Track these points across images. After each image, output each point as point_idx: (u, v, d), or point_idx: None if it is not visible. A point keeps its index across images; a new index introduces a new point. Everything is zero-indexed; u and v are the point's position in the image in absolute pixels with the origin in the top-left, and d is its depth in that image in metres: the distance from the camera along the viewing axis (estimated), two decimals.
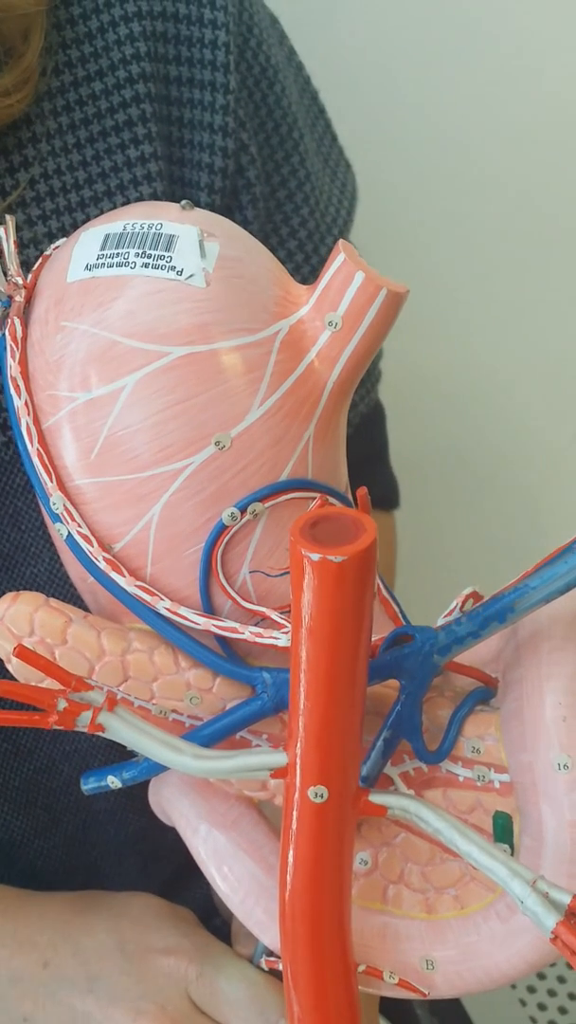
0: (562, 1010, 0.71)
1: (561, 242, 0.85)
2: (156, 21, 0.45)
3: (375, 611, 0.33)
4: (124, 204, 0.44)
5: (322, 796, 0.28)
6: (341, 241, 0.30)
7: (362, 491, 0.29)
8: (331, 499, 0.30)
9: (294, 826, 0.29)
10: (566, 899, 0.27)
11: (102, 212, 0.44)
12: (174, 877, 0.54)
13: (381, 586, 0.34)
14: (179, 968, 0.40)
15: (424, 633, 0.29)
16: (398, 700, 0.30)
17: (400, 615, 0.34)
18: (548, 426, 0.94)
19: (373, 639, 0.31)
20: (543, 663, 0.30)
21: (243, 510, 0.30)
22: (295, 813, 0.29)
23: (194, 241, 0.29)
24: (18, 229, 0.43)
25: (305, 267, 0.53)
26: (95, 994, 0.40)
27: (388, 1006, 0.53)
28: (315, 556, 0.24)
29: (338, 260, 0.29)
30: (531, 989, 0.72)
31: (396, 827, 0.33)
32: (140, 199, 0.44)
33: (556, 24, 0.77)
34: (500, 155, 0.82)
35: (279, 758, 0.29)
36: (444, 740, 0.31)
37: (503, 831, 0.31)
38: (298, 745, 0.28)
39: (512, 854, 0.31)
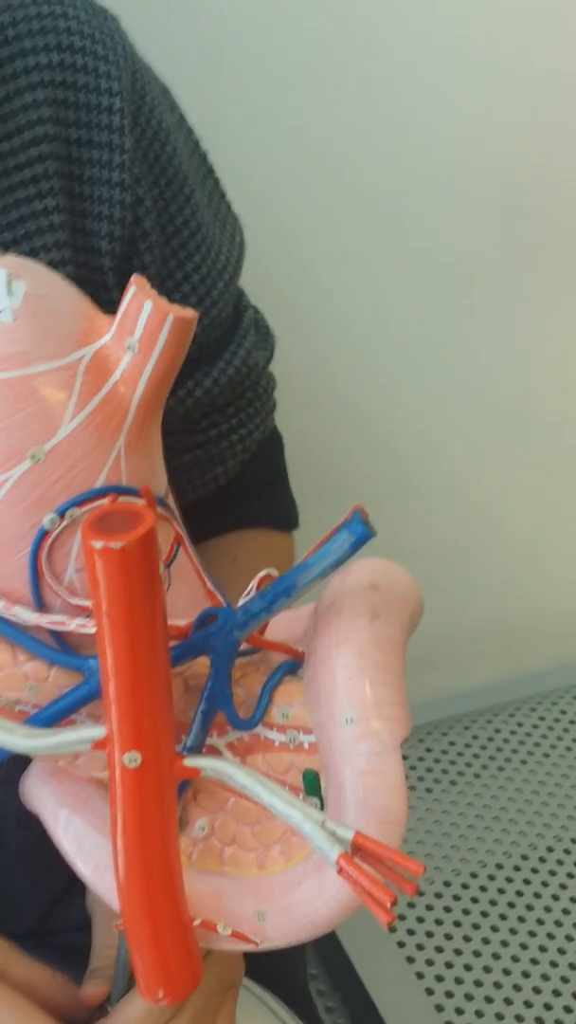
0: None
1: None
2: (57, 90, 0.49)
3: (201, 599, 0.36)
4: (31, 251, 0.48)
5: (136, 761, 0.31)
6: (135, 276, 0.33)
7: (145, 487, 0.32)
8: (128, 498, 0.33)
9: (118, 791, 0.31)
10: (349, 835, 0.30)
11: None
12: (73, 878, 0.56)
13: (207, 581, 0.37)
14: None
15: (225, 613, 0.32)
16: (209, 675, 0.33)
17: (224, 603, 0.37)
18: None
19: (184, 622, 0.33)
20: (333, 632, 0.33)
21: (62, 515, 0.32)
22: (117, 779, 0.31)
23: (2, 282, 0.32)
24: None
25: (199, 307, 0.57)
26: None
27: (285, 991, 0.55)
28: (99, 544, 0.27)
29: (131, 292, 0.33)
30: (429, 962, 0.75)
31: (227, 793, 0.36)
32: (45, 247, 0.48)
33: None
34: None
35: (98, 731, 0.31)
36: (256, 708, 0.34)
37: (312, 786, 0.33)
38: (112, 716, 0.30)
39: (322, 807, 0.33)
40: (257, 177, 0.84)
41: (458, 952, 0.73)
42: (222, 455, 0.63)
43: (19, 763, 0.52)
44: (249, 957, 0.49)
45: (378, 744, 0.31)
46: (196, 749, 0.34)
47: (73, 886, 0.56)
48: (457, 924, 0.76)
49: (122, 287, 0.52)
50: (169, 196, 0.55)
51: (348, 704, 0.31)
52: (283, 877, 0.35)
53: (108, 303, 0.52)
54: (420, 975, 0.72)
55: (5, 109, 0.48)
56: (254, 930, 0.35)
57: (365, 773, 0.31)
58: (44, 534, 0.33)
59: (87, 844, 0.36)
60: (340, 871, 0.29)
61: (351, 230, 0.91)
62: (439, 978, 0.72)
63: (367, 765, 0.31)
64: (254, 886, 0.35)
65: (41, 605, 0.33)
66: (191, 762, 0.32)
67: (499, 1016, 0.71)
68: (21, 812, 0.53)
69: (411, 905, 0.77)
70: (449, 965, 0.73)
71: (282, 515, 0.70)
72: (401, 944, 0.75)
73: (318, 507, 0.75)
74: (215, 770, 0.32)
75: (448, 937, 0.76)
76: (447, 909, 0.77)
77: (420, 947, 0.74)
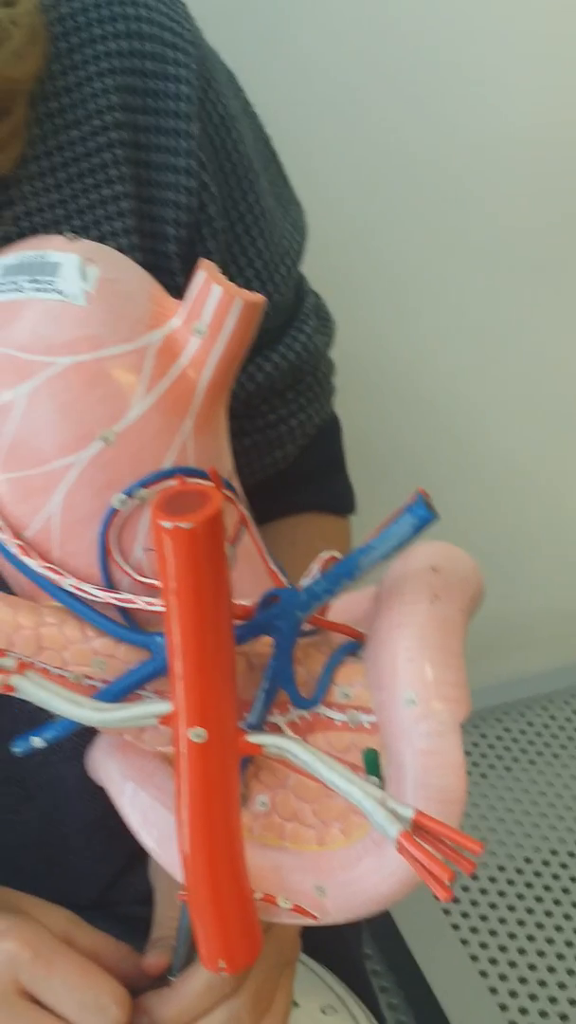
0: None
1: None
2: (127, 77, 0.49)
3: (264, 579, 0.37)
4: (100, 238, 0.49)
5: (202, 736, 0.31)
6: (203, 261, 0.33)
7: (212, 469, 0.33)
8: (196, 480, 0.33)
9: (183, 765, 0.32)
10: (409, 813, 0.30)
11: None
12: (135, 852, 0.57)
13: (270, 562, 0.38)
14: (12, 950, 0.41)
15: (288, 594, 0.33)
16: (272, 654, 0.34)
17: (287, 584, 0.37)
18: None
19: (248, 602, 0.34)
20: (394, 615, 0.33)
21: (131, 495, 0.33)
22: (182, 754, 0.32)
23: (75, 267, 0.33)
24: None
25: (261, 293, 0.57)
26: None
27: (339, 965, 0.56)
28: (168, 524, 0.28)
29: (199, 277, 0.33)
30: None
31: (288, 771, 0.36)
32: (113, 233, 0.49)
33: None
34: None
35: (164, 706, 0.32)
36: (318, 688, 0.35)
37: (372, 765, 0.34)
38: (178, 692, 0.31)
39: (382, 785, 0.34)
40: (320, 162, 0.84)
41: (512, 936, 0.74)
42: (281, 440, 0.64)
43: (84, 738, 0.53)
44: (306, 936, 0.49)
45: (438, 724, 0.31)
46: (258, 727, 0.35)
47: (135, 859, 0.57)
48: (511, 908, 0.76)
49: (187, 272, 0.53)
50: (234, 182, 0.55)
51: (409, 685, 0.32)
52: (343, 854, 0.35)
53: (173, 288, 0.53)
54: (474, 957, 0.73)
55: (76, 97, 0.49)
56: (314, 904, 0.35)
57: (425, 753, 0.32)
58: (113, 514, 0.33)
59: (152, 816, 0.37)
60: (400, 848, 0.30)
61: (413, 214, 0.90)
62: (493, 961, 0.73)
63: (427, 745, 0.31)
64: (314, 862, 0.36)
65: (110, 583, 0.34)
66: (254, 739, 0.33)
67: (553, 1000, 0.71)
68: (86, 786, 0.55)
69: (465, 888, 0.78)
70: (503, 948, 0.73)
71: (339, 500, 0.70)
72: (456, 927, 0.75)
73: (374, 493, 0.75)
74: (277, 747, 0.32)
75: (502, 921, 0.76)
76: (501, 893, 0.77)
77: (474, 930, 0.75)
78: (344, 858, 0.35)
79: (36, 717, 0.52)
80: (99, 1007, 0.41)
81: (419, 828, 0.30)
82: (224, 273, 0.56)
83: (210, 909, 0.34)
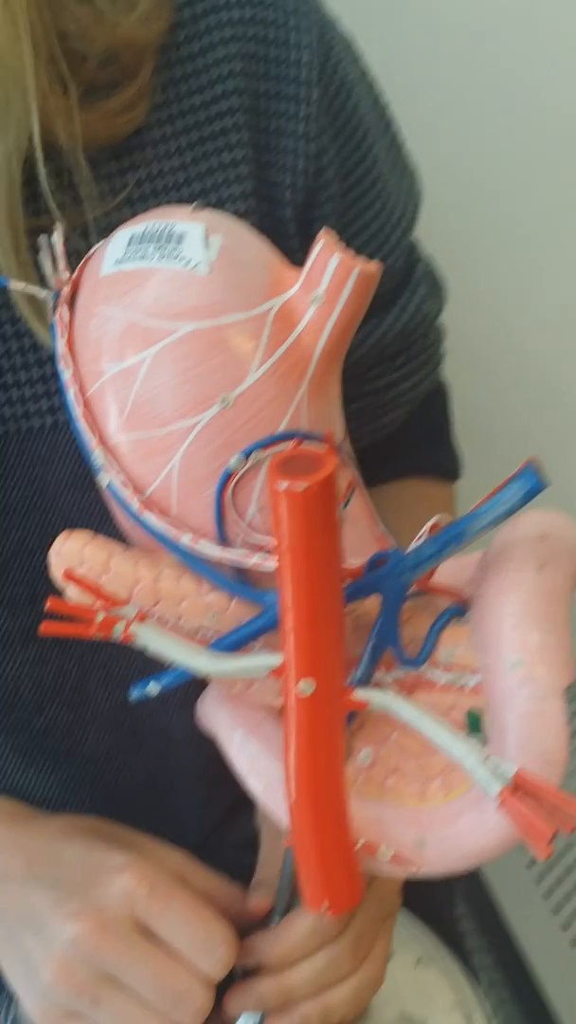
0: None
1: None
2: (249, 44, 0.51)
3: (371, 541, 0.38)
4: (219, 202, 0.50)
5: (310, 689, 0.33)
6: (324, 229, 0.34)
7: (328, 432, 0.34)
8: (311, 443, 0.34)
9: (292, 717, 0.34)
10: (511, 771, 0.31)
11: None
12: (239, 799, 0.60)
13: (378, 525, 0.39)
14: (129, 884, 0.42)
15: (396, 556, 0.34)
16: (379, 614, 0.35)
17: (393, 546, 0.38)
18: None
19: (357, 563, 0.35)
20: (501, 581, 0.34)
21: (247, 457, 0.35)
22: (291, 705, 0.33)
23: (199, 236, 0.34)
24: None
25: (374, 258, 0.58)
26: (52, 892, 0.43)
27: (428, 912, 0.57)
28: (284, 485, 0.29)
29: (319, 246, 0.34)
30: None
31: (391, 727, 0.37)
32: (231, 197, 0.50)
33: None
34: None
35: (275, 659, 0.33)
36: (423, 648, 0.36)
37: (475, 724, 0.35)
38: (289, 646, 0.32)
39: (484, 745, 0.35)
40: (435, 128, 0.83)
41: None
42: (389, 404, 0.64)
43: (193, 689, 0.55)
44: (404, 892, 0.51)
45: (542, 688, 0.32)
46: (364, 683, 0.36)
47: (239, 806, 0.60)
48: None
49: (302, 237, 0.54)
50: (351, 148, 0.56)
51: (513, 649, 0.32)
52: (443, 809, 0.36)
53: (288, 252, 0.54)
54: (566, 926, 0.73)
55: (199, 64, 0.50)
56: (413, 856, 0.37)
57: (528, 716, 0.32)
58: (229, 474, 0.35)
59: (259, 764, 0.39)
60: (501, 805, 0.31)
61: (529, 181, 0.89)
62: None
63: (530, 708, 0.32)
64: (414, 816, 0.37)
65: (224, 541, 0.36)
66: (360, 694, 0.34)
67: None
68: (193, 735, 0.57)
69: (560, 855, 0.78)
70: None
71: (445, 465, 0.70)
72: (548, 894, 0.76)
73: (480, 459, 0.75)
74: (383, 703, 0.34)
75: None
76: None
77: (568, 897, 0.75)
78: (444, 813, 0.36)
79: (147, 667, 0.55)
80: (209, 945, 0.42)
81: (520, 787, 0.31)
82: (339, 237, 0.57)
83: (314, 854, 0.36)
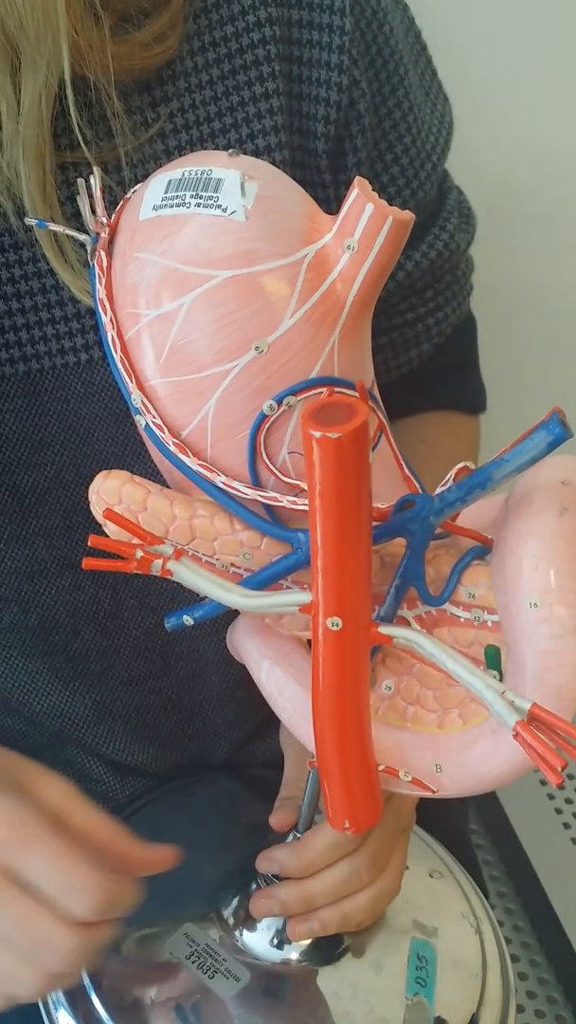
0: None
1: None
2: None
3: (399, 484, 0.39)
4: (250, 135, 0.50)
5: (338, 625, 0.34)
6: (357, 178, 0.35)
7: (359, 383, 0.35)
8: (343, 390, 0.36)
9: (320, 650, 0.35)
10: (527, 705, 0.33)
11: (230, 143, 0.50)
12: (263, 721, 0.62)
13: (405, 467, 0.40)
14: None
15: (423, 499, 0.35)
16: (405, 554, 0.36)
17: (420, 489, 0.40)
18: None
19: (384, 505, 0.37)
20: (522, 523, 0.35)
21: (280, 402, 0.36)
22: (319, 640, 0.35)
23: (237, 183, 0.35)
24: (156, 159, 0.49)
25: (406, 190, 0.58)
26: None
27: (443, 833, 0.60)
28: (318, 434, 0.30)
29: (353, 195, 0.34)
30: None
31: (413, 660, 0.39)
32: (263, 131, 0.50)
33: None
34: None
35: (305, 596, 0.35)
36: (446, 587, 0.37)
37: (493, 660, 0.36)
38: (319, 584, 0.34)
39: (501, 679, 0.36)
40: (468, 55, 0.81)
41: None
42: (418, 338, 0.64)
43: (222, 618, 0.58)
44: (419, 808, 0.54)
45: (560, 627, 0.33)
46: (388, 619, 0.38)
47: (264, 728, 0.62)
48: None
49: (333, 171, 0.54)
50: (384, 77, 0.55)
51: (533, 590, 0.34)
52: (460, 737, 0.38)
53: (319, 186, 0.54)
54: (573, 832, 0.77)
55: None
56: (431, 779, 0.39)
57: (545, 653, 0.34)
58: (263, 418, 0.36)
59: (287, 692, 0.41)
60: (516, 736, 0.32)
61: (562, 113, 0.87)
62: None
63: (548, 646, 0.34)
64: (433, 742, 0.39)
65: (257, 482, 0.37)
66: (385, 630, 0.35)
67: None
68: (221, 659, 0.59)
69: (571, 776, 0.81)
70: None
71: (471, 399, 0.71)
72: (559, 811, 0.79)
73: (504, 392, 0.75)
74: (406, 638, 0.35)
75: None
76: None
77: (569, 801, 0.78)
78: (461, 741, 0.38)
79: (178, 596, 0.57)
80: (76, 890, 0.40)
81: (535, 719, 0.33)
82: (370, 170, 0.57)
83: (338, 776, 0.38)
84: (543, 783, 0.81)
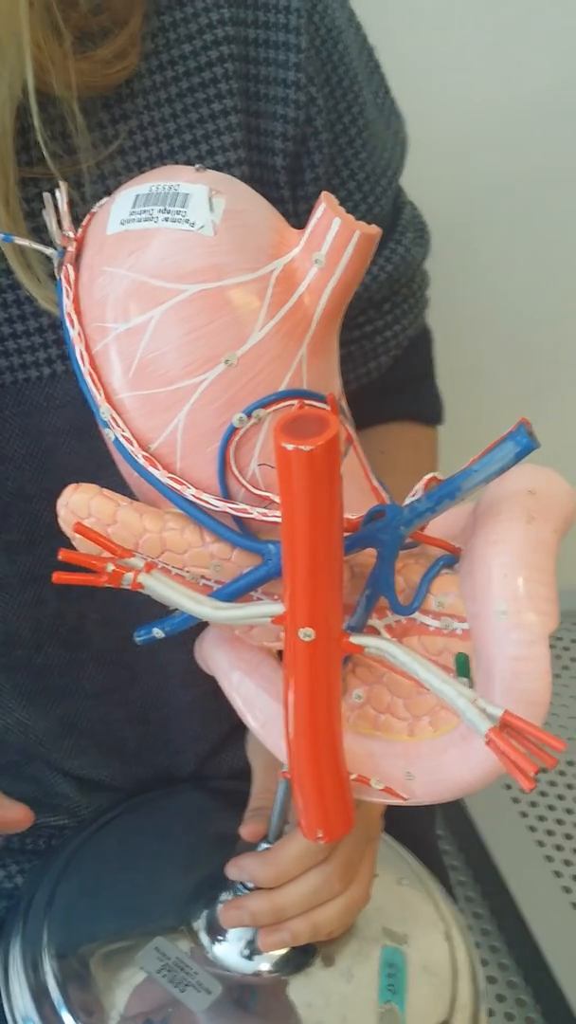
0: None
1: None
2: None
3: (367, 494, 0.40)
4: (210, 151, 0.50)
5: (310, 636, 0.34)
6: (324, 193, 0.35)
7: (331, 395, 0.35)
8: (313, 403, 0.36)
9: (292, 661, 0.36)
10: (498, 712, 0.33)
11: (190, 159, 0.50)
12: (229, 732, 0.62)
13: (372, 478, 0.40)
14: None
15: (393, 510, 0.35)
16: (376, 564, 0.37)
17: (388, 500, 0.40)
18: None
19: (354, 516, 0.37)
20: (491, 532, 0.35)
21: (249, 415, 0.36)
22: (292, 650, 0.35)
23: (204, 198, 0.35)
24: (117, 175, 0.49)
25: (362, 205, 0.58)
26: None
27: (410, 839, 0.60)
28: (290, 446, 0.30)
29: (320, 209, 0.35)
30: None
31: (383, 668, 0.40)
32: (223, 147, 0.50)
33: None
34: None
35: (277, 607, 0.35)
36: (416, 596, 0.37)
37: (463, 667, 0.37)
38: (290, 596, 0.34)
39: (471, 686, 0.37)
40: (420, 72, 0.82)
41: None
42: (376, 350, 0.65)
43: (188, 630, 0.57)
44: (386, 816, 0.54)
45: (529, 634, 0.34)
46: (359, 629, 0.38)
47: (230, 739, 0.62)
48: None
49: (292, 187, 0.54)
50: (339, 94, 0.56)
51: (503, 598, 0.34)
52: (431, 744, 0.39)
53: (279, 201, 0.54)
54: (540, 843, 0.78)
55: (188, 11, 0.49)
56: (403, 787, 0.39)
57: (515, 659, 0.34)
58: (232, 431, 0.36)
59: (257, 703, 0.41)
60: (489, 743, 0.33)
61: (512, 127, 0.89)
62: (559, 847, 0.77)
63: (518, 652, 0.34)
64: (404, 750, 0.39)
65: (227, 494, 0.37)
66: (356, 640, 0.36)
67: None
68: (186, 672, 0.59)
69: (552, 783, 0.82)
70: (568, 836, 0.78)
71: (429, 410, 0.71)
72: (524, 814, 0.80)
73: (460, 404, 0.76)
74: (378, 648, 0.35)
75: (569, 812, 0.80)
76: (569, 786, 0.82)
77: (542, 818, 0.80)
78: (432, 748, 0.39)
79: (145, 610, 0.57)
80: None
81: (507, 725, 0.33)
82: (327, 186, 0.57)
83: (311, 786, 0.38)
84: (508, 787, 0.82)
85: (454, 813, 0.80)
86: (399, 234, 0.63)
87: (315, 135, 0.54)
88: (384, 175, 0.60)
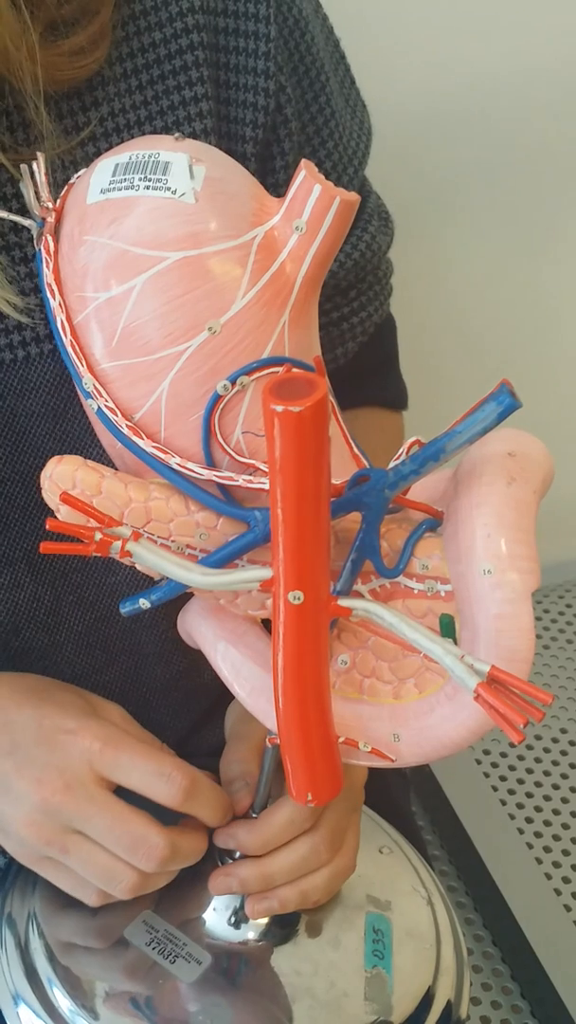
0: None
1: None
2: None
3: (348, 461, 0.40)
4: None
5: (299, 599, 0.34)
6: (304, 161, 0.35)
7: (317, 358, 0.35)
8: (298, 368, 0.36)
9: (280, 625, 0.35)
10: (486, 668, 0.33)
11: None
12: (208, 710, 0.62)
13: (353, 445, 0.40)
14: (84, 743, 0.46)
15: (377, 473, 0.35)
16: (360, 528, 0.36)
17: (369, 466, 0.40)
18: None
19: (339, 481, 0.37)
20: (473, 495, 0.35)
21: (233, 382, 0.35)
22: (280, 615, 0.35)
23: (185, 166, 0.35)
24: (88, 162, 0.48)
25: None
26: (13, 758, 0.47)
27: (387, 810, 0.60)
28: (279, 408, 0.30)
29: (301, 176, 0.34)
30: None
31: (368, 632, 0.40)
32: (193, 134, 0.50)
33: None
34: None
35: (266, 572, 0.35)
36: (400, 560, 0.37)
37: (448, 628, 0.37)
38: (279, 560, 0.34)
39: (456, 645, 0.37)
40: (383, 65, 0.82)
41: (556, 812, 0.79)
42: (342, 337, 0.65)
43: (162, 607, 0.57)
44: (366, 790, 0.54)
45: (512, 592, 0.34)
46: (345, 593, 0.38)
47: (208, 717, 0.62)
48: (564, 776, 0.81)
49: (262, 174, 0.54)
50: (307, 84, 0.56)
51: (486, 558, 0.34)
52: (416, 705, 0.39)
53: None
54: (512, 816, 0.78)
55: None
56: (390, 748, 0.39)
57: (499, 617, 0.34)
58: (217, 399, 0.36)
59: (243, 671, 0.41)
60: (477, 698, 0.33)
61: (474, 118, 0.89)
62: (538, 834, 0.78)
63: (501, 610, 0.34)
64: (390, 712, 0.39)
65: (211, 463, 0.37)
66: (344, 602, 0.36)
67: None
68: (163, 649, 0.59)
69: (520, 758, 0.83)
70: (548, 823, 0.79)
71: (393, 396, 0.72)
72: (495, 788, 0.80)
73: (422, 390, 0.76)
74: (365, 610, 0.35)
75: (539, 784, 0.81)
76: (555, 763, 0.82)
77: (512, 792, 0.80)
78: (418, 709, 0.39)
79: (119, 590, 0.56)
80: (164, 774, 0.46)
81: (494, 680, 0.33)
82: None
83: (300, 750, 0.38)
84: (479, 762, 0.82)
85: (427, 788, 0.81)
86: (365, 222, 0.63)
87: (285, 123, 0.53)
88: (351, 163, 0.60)
